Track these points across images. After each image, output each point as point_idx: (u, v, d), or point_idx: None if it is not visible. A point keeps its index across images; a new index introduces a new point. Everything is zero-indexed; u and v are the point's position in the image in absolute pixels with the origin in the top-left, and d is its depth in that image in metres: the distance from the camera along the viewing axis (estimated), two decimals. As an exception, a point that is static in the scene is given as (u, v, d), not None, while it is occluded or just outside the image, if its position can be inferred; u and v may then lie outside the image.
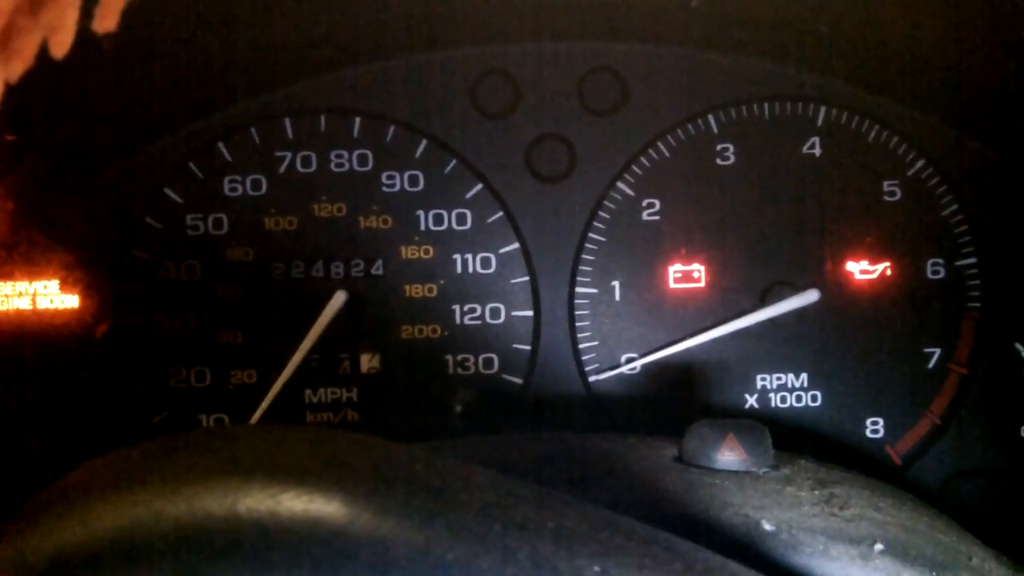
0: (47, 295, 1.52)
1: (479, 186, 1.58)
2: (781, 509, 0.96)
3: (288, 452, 0.67)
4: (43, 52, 0.68)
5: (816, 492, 1.02)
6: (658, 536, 0.71)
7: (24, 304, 1.51)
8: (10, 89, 0.67)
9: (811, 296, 1.54)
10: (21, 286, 1.51)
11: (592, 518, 0.70)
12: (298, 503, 0.61)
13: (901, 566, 0.89)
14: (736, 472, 1.05)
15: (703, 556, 0.71)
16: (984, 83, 1.47)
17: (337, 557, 0.58)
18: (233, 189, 1.56)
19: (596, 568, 0.62)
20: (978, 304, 1.59)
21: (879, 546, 0.91)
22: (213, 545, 0.59)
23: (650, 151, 1.59)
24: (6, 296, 1.51)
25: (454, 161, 1.58)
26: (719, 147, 1.58)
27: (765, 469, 1.07)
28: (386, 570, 0.58)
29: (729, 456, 1.06)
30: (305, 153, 1.56)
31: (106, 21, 0.65)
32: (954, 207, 1.58)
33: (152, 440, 0.73)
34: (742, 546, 0.89)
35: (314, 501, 0.61)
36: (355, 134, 1.57)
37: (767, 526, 0.92)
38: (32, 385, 1.52)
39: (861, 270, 1.58)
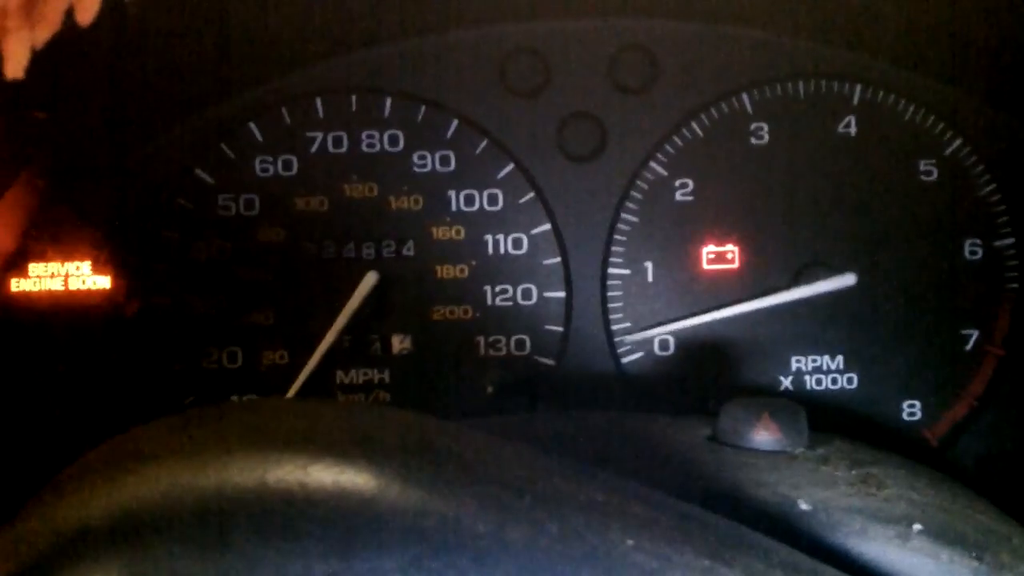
0: (79, 276, 1.52)
1: (511, 166, 1.57)
2: (817, 489, 0.95)
3: (316, 424, 0.67)
4: (71, 26, 0.67)
5: (853, 472, 1.00)
6: (691, 511, 0.71)
7: (56, 285, 1.52)
8: (40, 62, 0.66)
9: (847, 280, 1.53)
10: (53, 267, 1.51)
11: (624, 492, 0.69)
12: (327, 475, 0.60)
13: (940, 547, 0.88)
14: (771, 452, 1.04)
15: (737, 531, 0.70)
16: (1022, 60, 1.45)
17: (367, 528, 0.58)
18: (264, 170, 1.55)
19: (629, 542, 0.61)
20: (1016, 285, 1.57)
21: (917, 526, 0.90)
22: (242, 517, 0.59)
23: (683, 130, 1.57)
24: (39, 277, 1.51)
25: (485, 141, 1.57)
26: (753, 126, 1.57)
27: (800, 449, 1.06)
28: (416, 541, 0.58)
29: (764, 436, 1.05)
30: (336, 133, 1.56)
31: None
32: (991, 187, 1.56)
33: (180, 414, 0.73)
34: (779, 525, 0.88)
35: (344, 472, 0.60)
36: (386, 114, 1.56)
37: (804, 505, 0.91)
38: (63, 366, 1.52)
39: (897, 251, 1.56)
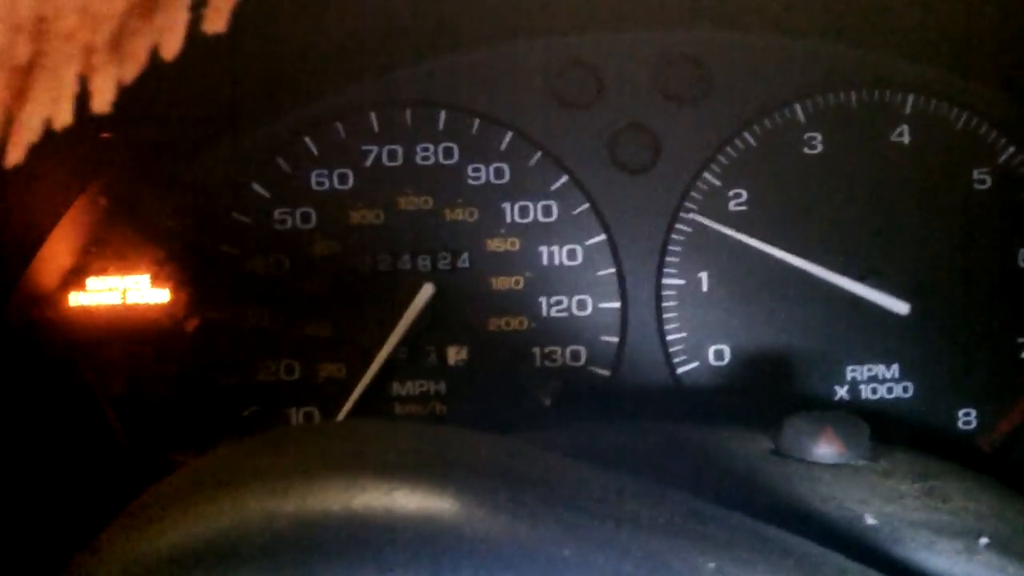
0: (137, 290, 1.54)
1: (564, 178, 1.58)
2: (882, 502, 0.95)
3: (399, 448, 0.67)
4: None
5: (916, 485, 1.00)
6: (769, 531, 0.71)
7: (114, 299, 1.53)
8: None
9: (900, 308, 1.53)
10: (112, 281, 1.53)
11: (703, 514, 0.69)
12: (412, 500, 0.61)
13: (1007, 560, 0.88)
14: (833, 465, 1.04)
15: (816, 552, 0.70)
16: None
17: (453, 554, 0.58)
18: (320, 183, 1.57)
19: (711, 565, 0.62)
20: (1072, 293, 1.56)
21: (984, 540, 0.89)
22: (327, 544, 0.59)
23: (736, 141, 1.57)
24: (96, 291, 1.53)
25: (539, 153, 1.57)
26: (806, 136, 1.57)
27: (862, 462, 1.06)
28: (502, 567, 0.58)
29: (827, 449, 1.05)
30: (391, 147, 1.57)
31: (216, 22, 0.66)
32: (1046, 194, 1.56)
33: (258, 437, 0.74)
34: (846, 540, 0.88)
35: (428, 498, 0.61)
36: (440, 127, 1.57)
37: (870, 520, 0.91)
38: (122, 380, 1.54)
39: (951, 259, 1.56)
